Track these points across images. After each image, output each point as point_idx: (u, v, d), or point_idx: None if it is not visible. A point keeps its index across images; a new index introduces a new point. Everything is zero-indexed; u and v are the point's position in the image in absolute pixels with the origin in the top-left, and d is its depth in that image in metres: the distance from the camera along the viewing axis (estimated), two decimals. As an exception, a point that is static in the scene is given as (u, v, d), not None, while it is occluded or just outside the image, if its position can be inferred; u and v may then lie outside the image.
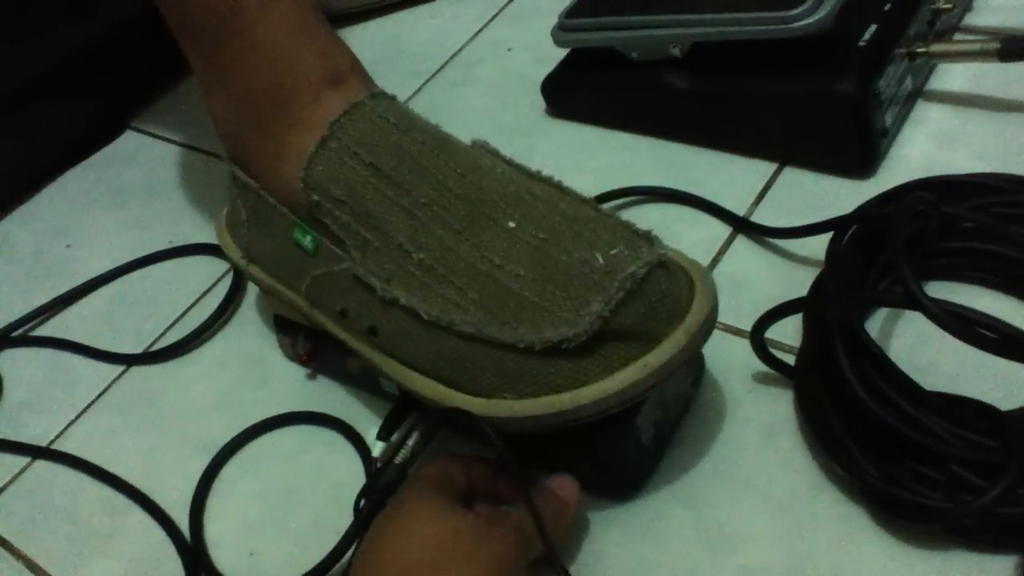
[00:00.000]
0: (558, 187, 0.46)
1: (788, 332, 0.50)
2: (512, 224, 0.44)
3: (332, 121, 0.46)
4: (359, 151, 0.46)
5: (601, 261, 0.42)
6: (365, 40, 0.81)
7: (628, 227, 0.44)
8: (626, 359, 0.41)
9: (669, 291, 0.41)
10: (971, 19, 0.64)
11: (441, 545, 0.39)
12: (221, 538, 0.51)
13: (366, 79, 0.50)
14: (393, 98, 0.49)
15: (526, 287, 0.42)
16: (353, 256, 0.46)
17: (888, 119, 0.57)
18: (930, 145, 0.58)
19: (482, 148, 0.48)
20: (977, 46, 0.57)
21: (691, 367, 0.49)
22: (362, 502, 0.46)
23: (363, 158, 0.46)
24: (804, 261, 0.54)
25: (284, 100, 0.47)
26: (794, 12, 0.53)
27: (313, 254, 0.48)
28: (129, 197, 0.74)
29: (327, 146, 0.46)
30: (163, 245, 0.69)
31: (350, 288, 0.46)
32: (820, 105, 0.56)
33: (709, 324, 0.42)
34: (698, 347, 0.42)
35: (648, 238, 0.43)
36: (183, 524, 0.51)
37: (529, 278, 0.42)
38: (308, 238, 0.48)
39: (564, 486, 0.45)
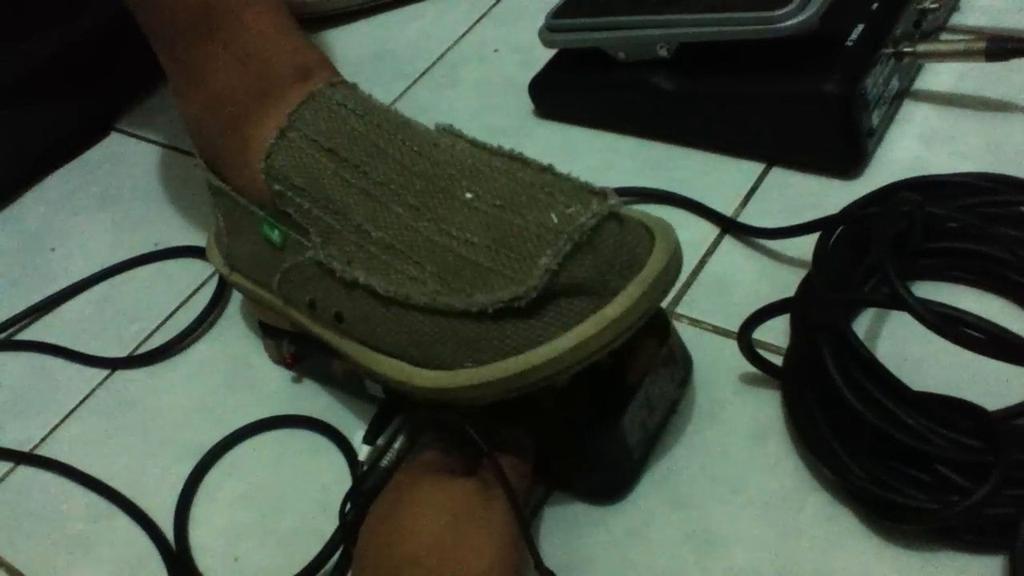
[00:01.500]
0: (519, 158, 0.45)
1: (776, 333, 0.50)
2: (469, 196, 0.43)
3: (291, 112, 0.46)
4: (317, 138, 0.46)
5: (555, 221, 0.41)
6: (351, 41, 0.81)
7: (584, 186, 0.43)
8: (581, 314, 0.39)
9: (623, 242, 0.40)
10: (957, 19, 0.64)
11: (452, 506, 0.40)
12: (206, 543, 0.50)
13: (333, 73, 0.50)
14: (353, 86, 0.49)
15: (480, 254, 0.41)
16: (315, 242, 0.45)
17: (875, 119, 0.57)
18: (917, 145, 0.58)
19: (444, 130, 0.47)
20: (963, 46, 0.57)
21: (678, 368, 0.49)
22: (348, 506, 0.45)
23: (321, 144, 0.46)
24: (791, 261, 0.54)
25: (255, 99, 0.47)
26: (780, 12, 0.53)
27: (281, 248, 0.48)
28: (114, 199, 0.74)
29: (285, 136, 0.46)
30: (148, 248, 0.68)
31: (315, 276, 0.46)
32: (807, 105, 0.56)
33: (668, 276, 0.41)
34: (657, 300, 0.41)
35: (603, 193, 0.42)
36: (167, 529, 0.51)
37: (484, 244, 0.42)
38: (276, 232, 0.48)
39: (522, 442, 0.45)
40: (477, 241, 0.42)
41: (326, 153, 0.46)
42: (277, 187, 0.46)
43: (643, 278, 0.40)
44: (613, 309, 0.39)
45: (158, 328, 0.63)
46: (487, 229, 0.42)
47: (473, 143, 0.46)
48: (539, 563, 0.42)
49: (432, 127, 0.48)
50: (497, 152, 0.45)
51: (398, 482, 0.43)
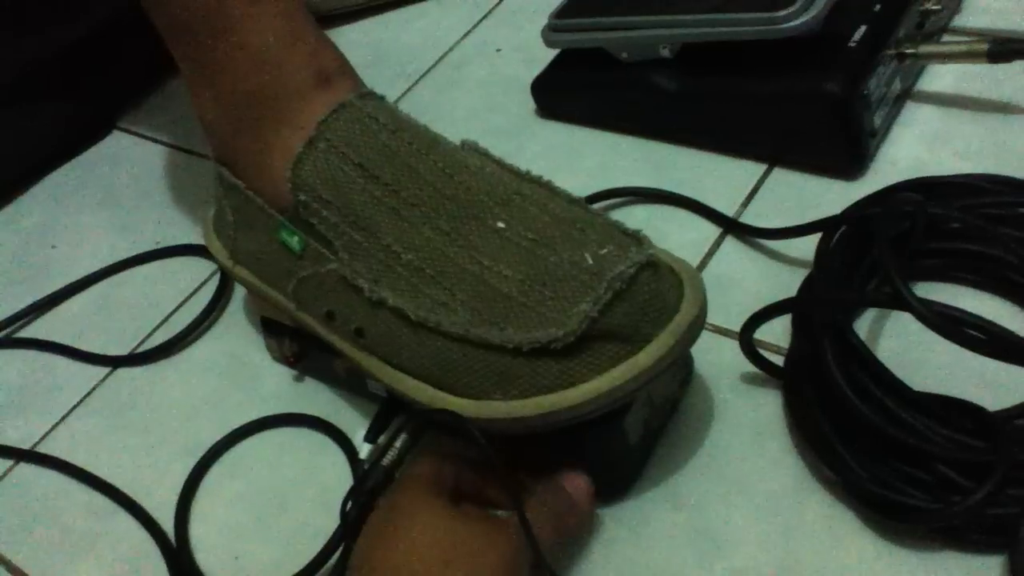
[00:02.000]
0: (547, 187, 0.46)
1: (777, 333, 0.50)
2: (501, 225, 0.44)
3: (320, 121, 0.46)
4: (347, 151, 0.45)
5: (590, 261, 0.42)
6: (354, 41, 0.81)
7: (617, 227, 0.44)
8: (614, 359, 0.40)
9: (658, 291, 0.41)
10: (960, 20, 0.64)
11: (447, 546, 0.39)
12: (206, 541, 0.50)
13: (355, 79, 0.49)
14: (382, 98, 0.49)
15: (514, 288, 0.42)
16: (340, 257, 0.45)
17: (877, 120, 0.57)
18: (919, 146, 0.58)
19: (471, 148, 0.48)
20: (965, 47, 0.57)
21: (679, 368, 0.49)
22: (349, 505, 0.45)
23: (351, 158, 0.45)
24: (793, 262, 0.54)
25: (272, 101, 0.47)
26: (783, 13, 0.53)
27: (300, 255, 0.47)
28: (115, 198, 0.74)
29: (314, 146, 0.46)
30: (149, 246, 0.68)
31: (337, 289, 0.46)
32: (809, 106, 0.56)
33: (698, 324, 0.42)
34: (687, 347, 0.42)
35: (637, 238, 0.43)
36: (168, 527, 0.51)
37: (517, 279, 0.42)
38: (295, 239, 0.47)
39: (575, 482, 0.44)
40: (510, 275, 0.42)
41: (356, 168, 0.45)
42: (303, 197, 0.46)
43: (675, 327, 0.41)
44: (645, 357, 0.40)
45: (159, 326, 0.63)
46: (520, 263, 0.42)
47: (501, 164, 0.47)
48: (543, 565, 0.41)
49: (458, 143, 0.48)
50: (526, 177, 0.46)
51: (392, 506, 0.42)
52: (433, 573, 0.38)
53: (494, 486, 0.45)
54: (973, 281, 0.50)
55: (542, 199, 0.45)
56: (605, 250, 0.42)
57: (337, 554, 0.46)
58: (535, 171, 0.46)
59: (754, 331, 0.47)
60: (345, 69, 0.49)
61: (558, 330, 0.40)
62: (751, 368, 0.48)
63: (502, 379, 0.41)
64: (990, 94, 0.59)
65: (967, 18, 0.64)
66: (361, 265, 0.45)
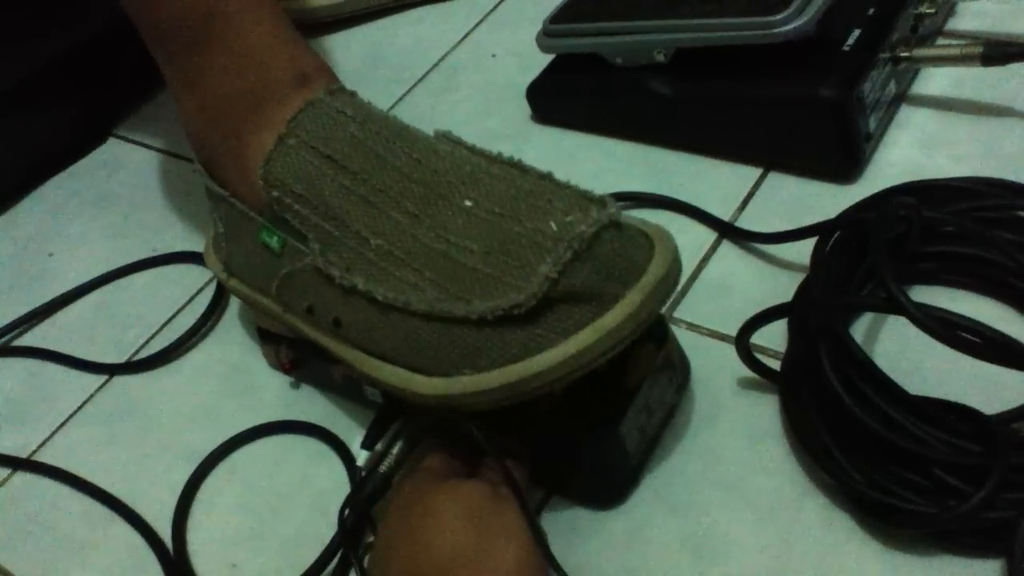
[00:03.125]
0: (518, 166, 0.45)
1: (774, 337, 0.50)
2: (468, 203, 0.43)
3: (290, 118, 0.46)
4: (316, 145, 0.46)
5: (554, 228, 0.41)
6: (349, 47, 0.81)
7: (583, 194, 0.43)
8: (581, 322, 0.40)
9: (622, 251, 0.40)
10: (954, 24, 0.64)
11: (472, 520, 0.39)
12: (204, 549, 0.50)
13: (332, 79, 0.50)
14: (353, 93, 0.49)
15: (479, 260, 0.42)
16: (313, 248, 0.45)
17: (872, 123, 0.57)
18: (913, 149, 0.58)
19: (443, 136, 0.48)
20: (959, 50, 0.57)
21: (676, 373, 0.49)
22: (346, 512, 0.45)
23: (320, 151, 0.46)
24: (789, 266, 0.54)
25: (252, 104, 0.48)
26: (777, 18, 0.53)
27: (279, 254, 0.48)
28: (112, 205, 0.74)
29: (284, 143, 0.46)
30: (146, 254, 0.68)
31: (313, 282, 0.46)
32: (804, 110, 0.56)
33: (668, 283, 0.41)
34: (656, 308, 0.41)
35: (601, 201, 0.42)
36: (165, 535, 0.51)
37: (482, 251, 0.42)
38: (274, 238, 0.48)
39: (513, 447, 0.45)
40: (476, 248, 0.42)
41: (325, 160, 0.46)
42: (275, 193, 0.46)
43: (642, 286, 0.40)
44: (612, 317, 0.39)
45: (156, 334, 0.63)
46: (486, 236, 0.42)
47: (472, 149, 0.46)
48: (551, 558, 0.41)
49: (431, 133, 0.48)
50: (496, 159, 0.45)
51: (409, 492, 0.42)
52: (465, 538, 0.39)
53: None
54: (969, 284, 0.50)
55: (510, 176, 0.44)
56: (570, 217, 0.41)
57: (335, 561, 0.46)
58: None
59: (750, 336, 0.47)
60: (324, 70, 0.50)
61: (519, 295, 0.39)
62: (748, 372, 0.48)
63: (470, 353, 0.41)
64: (984, 97, 0.59)
65: (961, 21, 0.64)
66: (333, 255, 0.45)
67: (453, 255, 0.42)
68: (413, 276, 0.43)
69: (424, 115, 0.72)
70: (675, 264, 0.42)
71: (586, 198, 0.42)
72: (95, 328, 0.64)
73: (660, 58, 0.60)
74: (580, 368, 0.40)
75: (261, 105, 0.47)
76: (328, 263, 0.45)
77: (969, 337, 0.41)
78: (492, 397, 0.41)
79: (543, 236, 0.41)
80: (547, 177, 0.44)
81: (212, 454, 0.54)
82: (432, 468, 0.43)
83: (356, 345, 0.45)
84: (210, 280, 0.64)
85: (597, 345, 0.39)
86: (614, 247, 0.40)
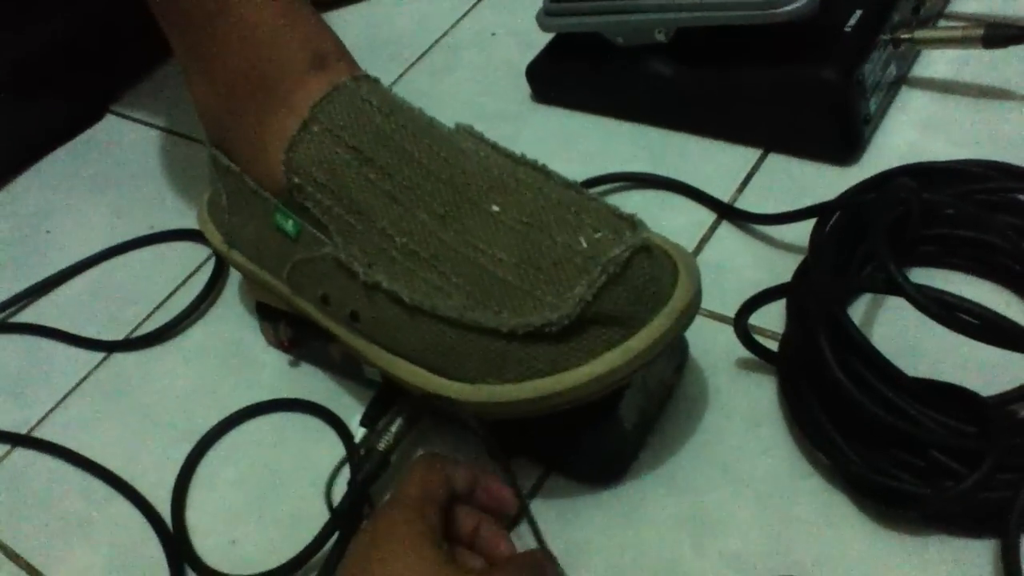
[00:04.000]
0: (542, 171, 0.46)
1: (772, 318, 0.50)
2: (496, 208, 0.44)
3: (314, 104, 0.46)
4: (341, 134, 0.45)
5: (584, 245, 0.42)
6: (348, 25, 0.80)
7: (612, 211, 0.44)
8: (609, 343, 0.41)
9: (652, 275, 0.41)
10: (955, 6, 0.64)
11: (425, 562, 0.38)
12: (203, 526, 0.50)
13: (351, 62, 0.49)
14: (376, 81, 0.48)
15: (509, 272, 0.42)
16: (335, 241, 0.45)
17: (872, 106, 0.57)
18: (914, 132, 0.58)
19: (466, 132, 0.48)
20: (960, 33, 0.57)
21: (674, 353, 0.49)
22: (343, 489, 0.46)
23: (345, 141, 0.45)
24: (788, 247, 0.54)
25: (267, 84, 0.47)
26: (779, -2, 0.53)
27: (295, 239, 0.47)
28: (110, 182, 0.74)
29: (309, 129, 0.46)
30: (144, 231, 0.68)
31: (332, 273, 0.46)
32: (805, 92, 0.56)
33: (692, 309, 0.42)
34: (681, 332, 0.42)
35: (632, 222, 0.43)
36: (165, 512, 0.51)
37: (512, 263, 0.42)
38: (290, 223, 0.47)
39: (539, 557, 0.42)
40: (505, 258, 0.42)
41: (350, 151, 0.45)
42: (297, 180, 0.46)
43: (669, 312, 0.41)
44: (640, 341, 0.41)
45: (155, 311, 0.62)
46: (515, 246, 0.42)
47: (495, 148, 0.47)
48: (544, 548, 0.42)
49: (452, 127, 0.48)
50: (520, 161, 0.46)
51: (373, 538, 0.40)
52: None
53: (484, 489, 0.44)
54: (968, 268, 0.50)
55: (537, 183, 0.45)
56: (600, 234, 0.42)
57: (333, 539, 0.46)
58: (531, 156, 0.46)
59: (749, 317, 0.47)
60: (341, 52, 0.49)
61: (552, 314, 0.40)
62: (746, 354, 0.49)
63: (497, 363, 0.41)
64: (985, 80, 0.59)
65: (962, 4, 0.64)
66: (356, 249, 0.45)
67: (481, 262, 0.43)
68: (439, 279, 0.43)
69: (423, 94, 0.72)
70: (699, 289, 0.43)
71: (616, 215, 0.43)
72: (93, 305, 0.64)
73: (661, 38, 0.60)
74: (605, 388, 0.41)
75: (274, 84, 0.47)
76: (350, 257, 0.45)
77: (967, 319, 0.41)
78: (517, 409, 0.42)
79: (574, 253, 0.41)
80: (572, 186, 0.45)
81: (211, 431, 0.54)
82: (411, 498, 0.41)
83: (373, 340, 0.45)
84: (209, 257, 0.64)
85: (623, 367, 0.40)
86: (645, 272, 0.41)
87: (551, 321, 0.40)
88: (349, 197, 0.45)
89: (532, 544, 0.44)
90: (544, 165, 0.46)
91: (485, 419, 0.43)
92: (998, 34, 0.55)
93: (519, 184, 0.44)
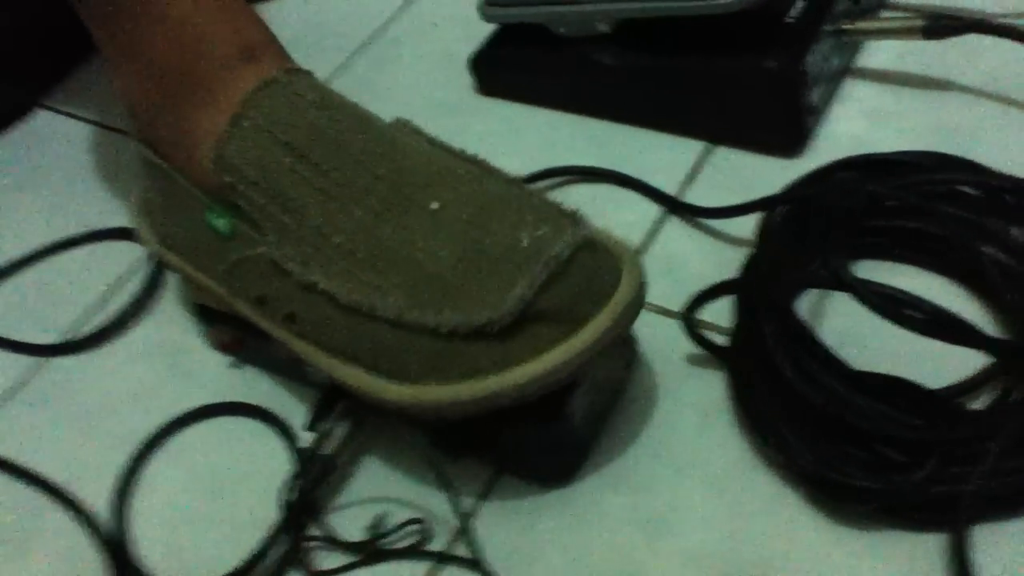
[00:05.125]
0: (483, 166, 0.45)
1: (721, 313, 0.50)
2: (435, 205, 0.43)
3: (244, 98, 0.44)
4: (273, 130, 0.44)
5: (526, 243, 0.41)
6: (286, 15, 0.78)
7: (554, 207, 0.43)
8: (552, 341, 0.40)
9: (595, 271, 0.41)
10: (896, -4, 0.65)
11: None
12: (146, 534, 0.49)
13: (282, 54, 0.48)
14: (310, 74, 0.47)
15: (449, 270, 0.41)
16: (270, 240, 0.44)
17: (816, 97, 0.57)
18: (858, 123, 0.58)
19: (404, 126, 0.47)
20: (901, 23, 0.57)
21: (623, 350, 0.48)
22: (291, 494, 0.45)
23: (277, 137, 0.44)
24: (736, 241, 0.54)
25: (194, 77, 0.45)
26: (723, -11, 0.53)
27: (229, 238, 0.46)
28: (41, 179, 0.71)
29: (239, 125, 0.44)
30: (78, 230, 0.66)
31: (268, 273, 0.45)
32: (749, 82, 0.56)
33: (636, 305, 0.42)
34: (625, 328, 0.42)
35: (574, 218, 0.42)
36: (106, 521, 0.50)
37: (452, 260, 0.41)
38: (223, 221, 0.46)
39: None
40: (445, 256, 0.41)
41: (282, 147, 0.44)
42: (228, 179, 0.44)
43: (612, 307, 0.40)
44: (582, 338, 0.40)
45: (92, 313, 0.60)
46: (455, 244, 0.42)
47: (434, 143, 0.46)
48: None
49: (391, 121, 0.46)
50: (460, 156, 0.45)
51: None
52: None
53: None
54: (913, 259, 0.51)
55: (477, 178, 0.44)
56: (541, 231, 0.41)
57: (278, 545, 0.45)
58: (476, 150, 0.46)
59: (697, 312, 0.47)
60: (272, 44, 0.48)
61: (494, 312, 0.39)
62: (696, 349, 0.48)
63: (438, 363, 0.41)
64: (928, 71, 0.60)
65: (904, -7, 0.65)
66: (291, 248, 0.44)
67: (420, 260, 0.42)
68: (377, 279, 0.42)
69: (365, 86, 0.70)
70: (643, 285, 0.42)
71: (558, 211, 0.43)
72: (27, 308, 0.62)
73: (603, 28, 0.59)
74: (549, 386, 0.40)
75: (202, 78, 0.45)
76: (285, 256, 0.43)
77: (913, 314, 0.41)
78: (460, 409, 0.41)
79: (515, 251, 0.41)
80: (513, 181, 0.44)
81: (153, 437, 0.52)
82: None
83: (312, 342, 0.44)
84: (146, 257, 0.62)
85: (567, 364, 0.40)
86: (587, 269, 0.41)
87: (492, 320, 0.39)
88: (282, 195, 0.44)
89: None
90: (484, 160, 0.45)
91: (430, 421, 0.42)
92: (938, 26, 0.55)
93: (459, 180, 0.44)
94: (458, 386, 0.41)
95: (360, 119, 0.45)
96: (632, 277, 0.42)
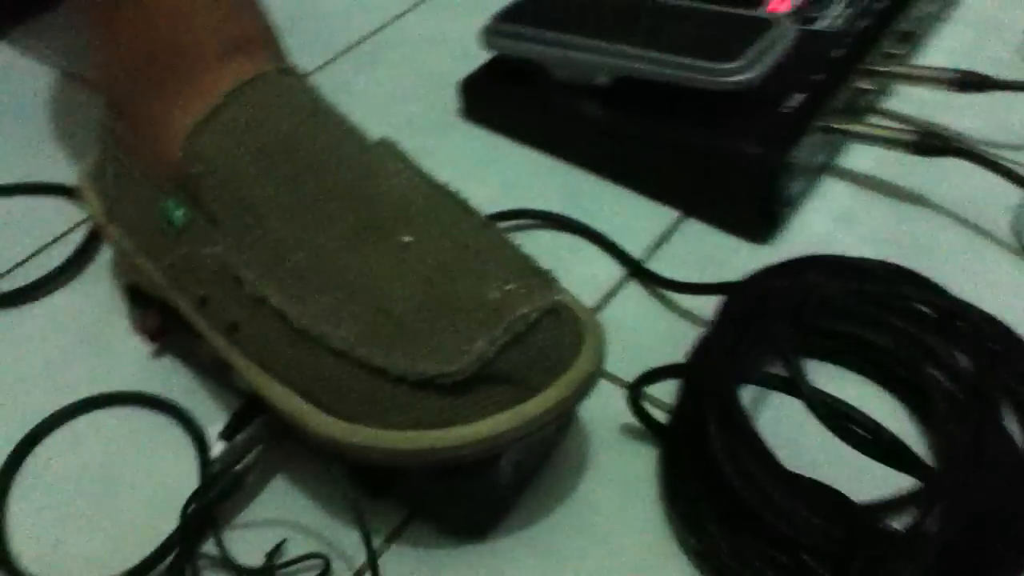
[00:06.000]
0: (463, 206, 0.43)
1: (666, 388, 0.49)
2: (407, 239, 0.41)
3: (226, 92, 0.42)
4: (249, 131, 0.42)
5: (491, 297, 0.39)
6: (275, 6, 0.76)
7: (527, 263, 0.42)
8: (501, 404, 0.38)
9: (557, 339, 0.39)
10: (889, 104, 0.65)
11: None
12: (24, 521, 0.46)
13: (276, 50, 0.46)
14: (300, 77, 0.45)
15: (410, 312, 0.39)
16: (226, 242, 0.42)
17: (794, 189, 0.57)
18: (828, 221, 0.58)
19: (388, 149, 0.45)
20: (891, 133, 0.57)
21: (562, 412, 0.47)
22: (191, 508, 0.42)
23: (253, 140, 0.42)
24: (691, 317, 0.53)
25: (178, 63, 0.43)
26: (727, 66, 0.52)
27: (181, 229, 0.44)
28: (-12, 118, 0.68)
29: (216, 119, 0.42)
30: (17, 179, 0.62)
31: (217, 276, 0.42)
32: (731, 165, 0.55)
33: (591, 381, 0.40)
34: (576, 403, 0.40)
35: (546, 279, 0.41)
36: (-15, 500, 0.46)
37: (414, 303, 0.40)
38: (180, 212, 0.44)
39: None
40: (407, 295, 0.40)
41: (256, 152, 0.42)
42: (194, 171, 0.42)
43: (568, 381, 0.39)
44: (533, 407, 0.38)
45: (13, 269, 0.57)
46: (420, 286, 0.40)
47: (415, 171, 0.44)
48: None
49: (377, 139, 0.45)
50: (441, 190, 0.43)
51: None
52: None
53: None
54: (856, 367, 0.50)
55: (454, 218, 0.42)
56: (510, 286, 0.40)
57: (170, 558, 0.43)
58: (447, 172, 0.44)
59: (642, 389, 0.46)
60: (266, 36, 0.46)
61: (448, 365, 0.38)
62: (632, 419, 0.47)
63: (380, 406, 0.39)
64: (904, 182, 0.60)
65: (897, 103, 0.65)
66: (248, 254, 0.41)
67: (381, 296, 0.40)
68: (332, 305, 0.40)
69: (345, 88, 0.68)
70: (601, 362, 0.41)
71: (530, 268, 0.41)
72: (-55, 251, 0.58)
73: (602, 81, 0.58)
74: (492, 448, 0.39)
75: (184, 65, 0.43)
76: (240, 263, 0.41)
77: (856, 430, 0.41)
78: (391, 457, 0.39)
79: (479, 305, 0.39)
80: (489, 227, 0.43)
81: (51, 417, 0.49)
82: None
83: (250, 356, 0.42)
84: (85, 220, 0.59)
85: (514, 431, 0.38)
86: (550, 336, 0.39)
87: (446, 372, 0.38)
88: (248, 201, 0.41)
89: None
90: (466, 199, 0.43)
91: (358, 460, 0.40)
92: (929, 143, 0.55)
93: (435, 217, 0.42)
94: (396, 434, 0.39)
95: (344, 134, 0.44)
96: (592, 352, 0.40)
